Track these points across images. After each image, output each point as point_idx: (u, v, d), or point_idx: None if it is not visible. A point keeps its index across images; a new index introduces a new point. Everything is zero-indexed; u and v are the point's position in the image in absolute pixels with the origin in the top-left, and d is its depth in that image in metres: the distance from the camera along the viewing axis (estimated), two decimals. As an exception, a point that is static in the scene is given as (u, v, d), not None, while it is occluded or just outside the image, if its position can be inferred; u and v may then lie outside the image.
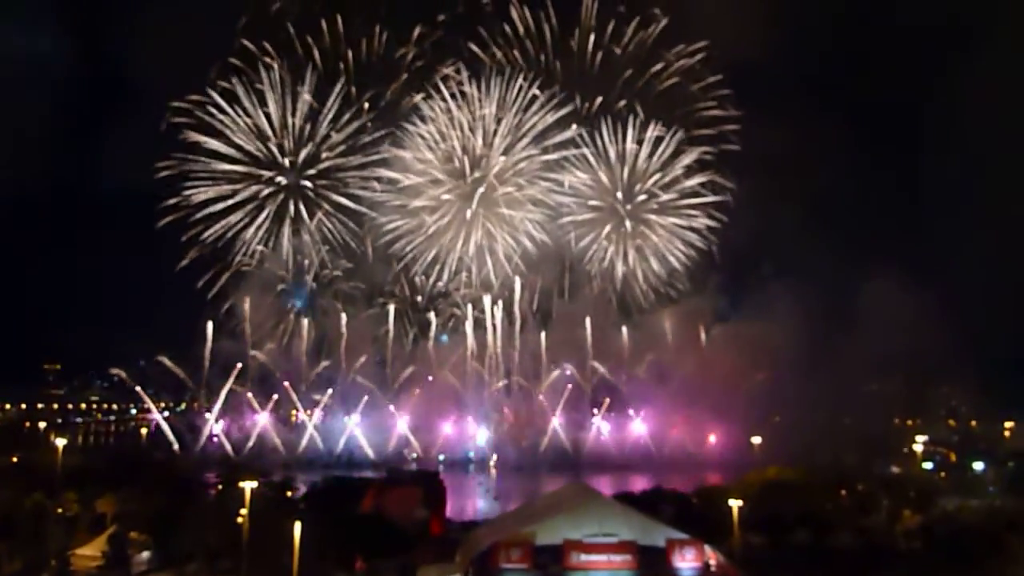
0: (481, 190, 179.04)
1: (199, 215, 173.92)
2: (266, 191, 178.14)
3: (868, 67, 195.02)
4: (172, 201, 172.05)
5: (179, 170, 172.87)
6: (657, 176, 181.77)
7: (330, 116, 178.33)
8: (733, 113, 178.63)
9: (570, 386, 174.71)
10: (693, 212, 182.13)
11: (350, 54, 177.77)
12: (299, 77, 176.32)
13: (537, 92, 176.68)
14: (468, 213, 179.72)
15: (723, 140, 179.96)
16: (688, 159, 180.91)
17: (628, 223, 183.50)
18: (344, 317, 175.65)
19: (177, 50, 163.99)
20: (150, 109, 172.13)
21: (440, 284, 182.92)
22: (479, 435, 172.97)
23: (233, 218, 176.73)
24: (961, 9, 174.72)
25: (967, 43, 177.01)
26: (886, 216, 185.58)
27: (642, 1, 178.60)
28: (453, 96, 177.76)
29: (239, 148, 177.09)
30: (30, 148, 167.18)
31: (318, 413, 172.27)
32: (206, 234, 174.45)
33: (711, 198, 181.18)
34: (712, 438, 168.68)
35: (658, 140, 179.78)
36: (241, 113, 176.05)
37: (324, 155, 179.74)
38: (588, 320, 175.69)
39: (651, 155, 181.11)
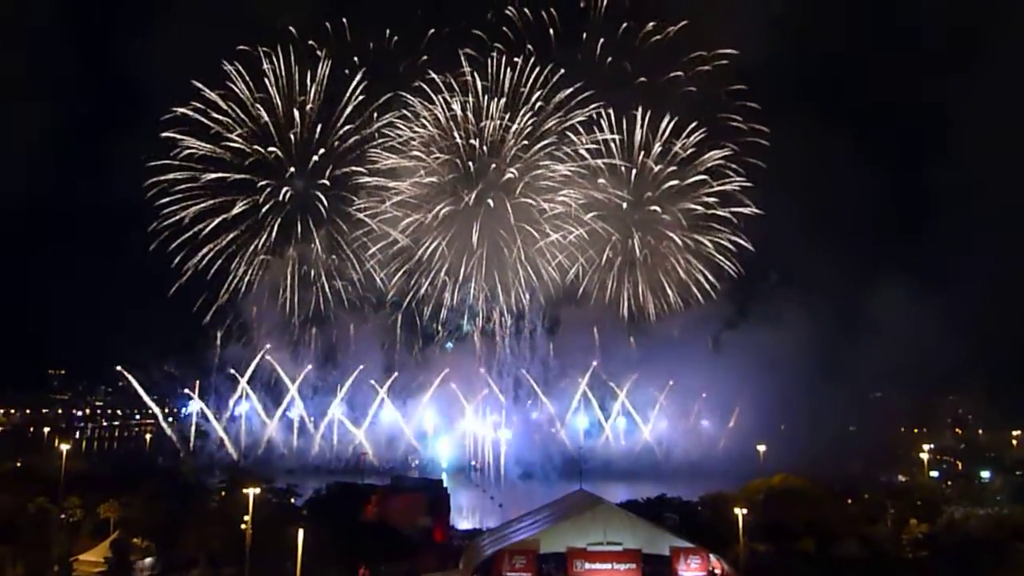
0: (490, 201, 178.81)
1: (203, 224, 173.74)
2: (272, 201, 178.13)
3: (871, 71, 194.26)
4: (175, 208, 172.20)
5: (182, 178, 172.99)
6: (668, 187, 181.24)
7: (336, 126, 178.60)
8: (748, 125, 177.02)
9: (577, 393, 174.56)
10: (707, 225, 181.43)
11: (356, 60, 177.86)
12: (304, 85, 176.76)
13: (543, 103, 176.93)
14: (475, 224, 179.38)
15: (743, 152, 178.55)
16: (702, 172, 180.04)
17: (637, 235, 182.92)
18: (351, 325, 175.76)
19: (182, 58, 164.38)
20: (156, 115, 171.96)
21: (446, 295, 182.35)
22: (485, 442, 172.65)
23: (239, 227, 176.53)
24: (964, 11, 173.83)
25: (972, 46, 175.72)
26: (892, 223, 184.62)
27: (648, 11, 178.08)
28: (458, 103, 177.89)
29: (245, 156, 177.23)
30: (34, 154, 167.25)
31: (324, 419, 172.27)
32: (213, 243, 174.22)
33: (724, 211, 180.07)
34: (719, 445, 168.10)
35: (668, 151, 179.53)
36: (247, 121, 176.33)
37: (331, 165, 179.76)
38: (596, 330, 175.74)
39: (663, 165, 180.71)
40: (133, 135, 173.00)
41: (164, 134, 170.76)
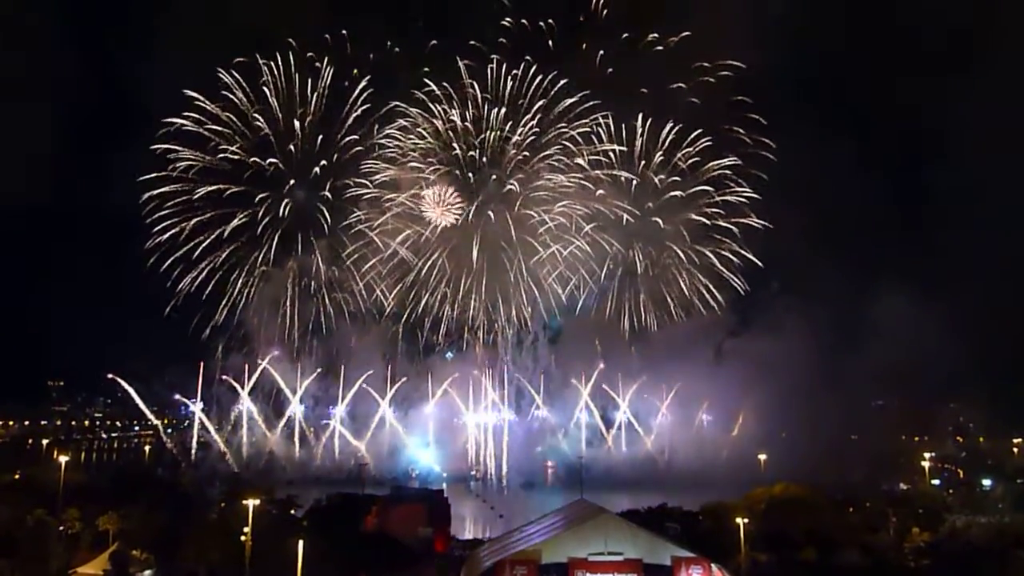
0: (490, 213, 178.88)
1: (202, 237, 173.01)
2: (272, 213, 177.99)
3: (871, 73, 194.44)
4: (176, 220, 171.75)
5: (180, 190, 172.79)
6: (669, 197, 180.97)
7: (336, 137, 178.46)
8: (750, 137, 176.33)
9: (579, 402, 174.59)
10: (708, 235, 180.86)
11: (356, 72, 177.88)
12: (304, 96, 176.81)
13: (543, 114, 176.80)
14: (476, 236, 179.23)
15: (746, 163, 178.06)
16: (704, 182, 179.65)
17: (638, 246, 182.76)
18: (352, 336, 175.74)
19: (181, 69, 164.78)
20: (154, 125, 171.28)
21: (446, 307, 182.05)
22: (486, 451, 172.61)
23: (239, 239, 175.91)
24: (963, 12, 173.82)
25: (972, 46, 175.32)
26: (893, 231, 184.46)
27: (648, 22, 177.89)
28: (457, 114, 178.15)
29: (244, 168, 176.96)
30: (32, 158, 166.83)
31: (326, 430, 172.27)
32: (211, 256, 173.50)
33: (725, 223, 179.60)
34: (722, 454, 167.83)
35: (670, 161, 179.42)
36: (247, 133, 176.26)
37: (331, 176, 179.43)
38: (597, 341, 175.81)
39: (665, 176, 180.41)
40: (132, 145, 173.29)
41: (162, 146, 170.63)
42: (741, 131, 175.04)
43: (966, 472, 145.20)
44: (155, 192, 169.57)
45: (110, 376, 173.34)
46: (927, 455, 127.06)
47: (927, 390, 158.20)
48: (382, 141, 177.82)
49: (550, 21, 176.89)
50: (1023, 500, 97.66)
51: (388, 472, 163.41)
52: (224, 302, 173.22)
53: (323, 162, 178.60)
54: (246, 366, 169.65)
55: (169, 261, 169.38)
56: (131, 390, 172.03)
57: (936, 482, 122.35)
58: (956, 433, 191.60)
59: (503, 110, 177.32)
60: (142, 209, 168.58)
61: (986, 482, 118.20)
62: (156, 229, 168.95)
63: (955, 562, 69.75)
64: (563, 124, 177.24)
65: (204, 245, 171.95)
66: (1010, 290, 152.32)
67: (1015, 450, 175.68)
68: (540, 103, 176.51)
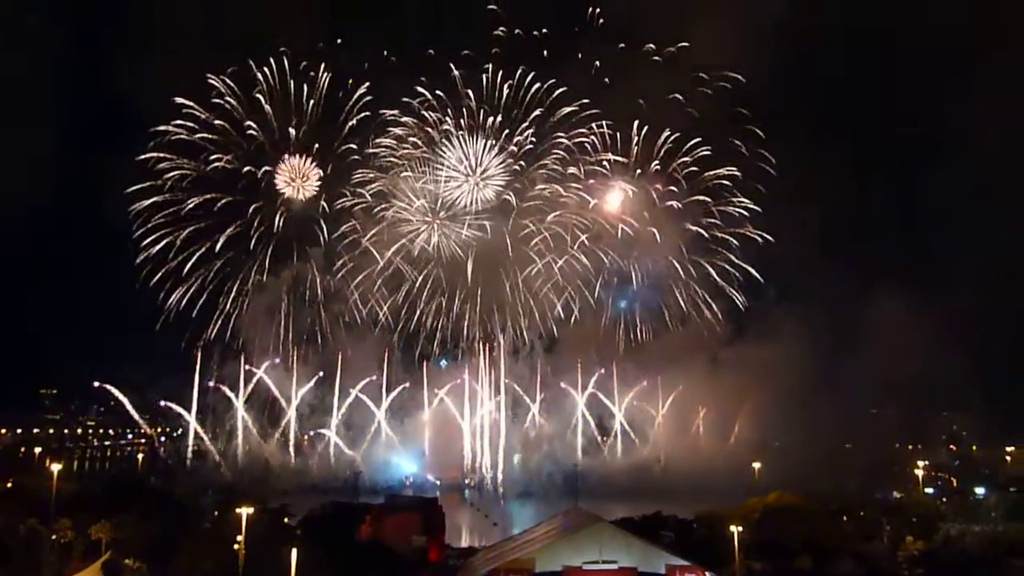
0: (486, 223, 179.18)
1: (197, 246, 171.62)
2: (267, 223, 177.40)
3: (871, 79, 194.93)
4: (168, 230, 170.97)
5: (174, 199, 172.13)
6: (666, 206, 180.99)
7: (333, 146, 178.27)
8: (748, 149, 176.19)
9: (576, 411, 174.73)
10: (706, 246, 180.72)
11: (352, 82, 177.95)
12: (299, 106, 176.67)
13: (539, 125, 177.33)
14: (471, 251, 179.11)
15: (744, 174, 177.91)
16: (701, 191, 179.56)
17: (635, 254, 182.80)
18: (348, 345, 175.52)
19: (175, 76, 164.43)
20: (148, 135, 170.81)
21: (442, 316, 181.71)
22: (481, 459, 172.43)
23: (235, 248, 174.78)
24: (964, 19, 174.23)
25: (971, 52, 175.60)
26: (888, 240, 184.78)
27: (646, 32, 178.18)
28: (452, 124, 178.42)
29: (239, 177, 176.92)
30: (30, 172, 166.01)
31: (322, 439, 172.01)
32: (206, 267, 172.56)
33: (722, 233, 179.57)
34: (718, 462, 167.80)
35: (666, 171, 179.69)
36: (242, 143, 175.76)
37: (325, 186, 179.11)
38: (594, 350, 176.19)
39: (662, 185, 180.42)
40: (125, 153, 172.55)
41: (153, 155, 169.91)
42: (738, 143, 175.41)
43: (960, 481, 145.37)
44: (146, 203, 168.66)
45: (99, 384, 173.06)
46: (921, 463, 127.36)
47: (921, 399, 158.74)
48: (377, 150, 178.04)
49: (544, 30, 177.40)
50: (1017, 509, 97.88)
51: (383, 481, 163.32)
52: (218, 312, 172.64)
53: (319, 171, 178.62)
54: (241, 375, 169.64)
55: (161, 273, 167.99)
56: (123, 398, 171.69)
57: (930, 491, 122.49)
58: (950, 442, 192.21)
59: (498, 119, 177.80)
60: (134, 221, 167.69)
61: (979, 491, 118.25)
62: (146, 242, 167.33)
63: (949, 570, 70.02)
64: (559, 133, 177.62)
65: (198, 255, 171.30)
66: (1005, 298, 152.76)
67: (1008, 459, 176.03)
68: (536, 112, 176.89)
